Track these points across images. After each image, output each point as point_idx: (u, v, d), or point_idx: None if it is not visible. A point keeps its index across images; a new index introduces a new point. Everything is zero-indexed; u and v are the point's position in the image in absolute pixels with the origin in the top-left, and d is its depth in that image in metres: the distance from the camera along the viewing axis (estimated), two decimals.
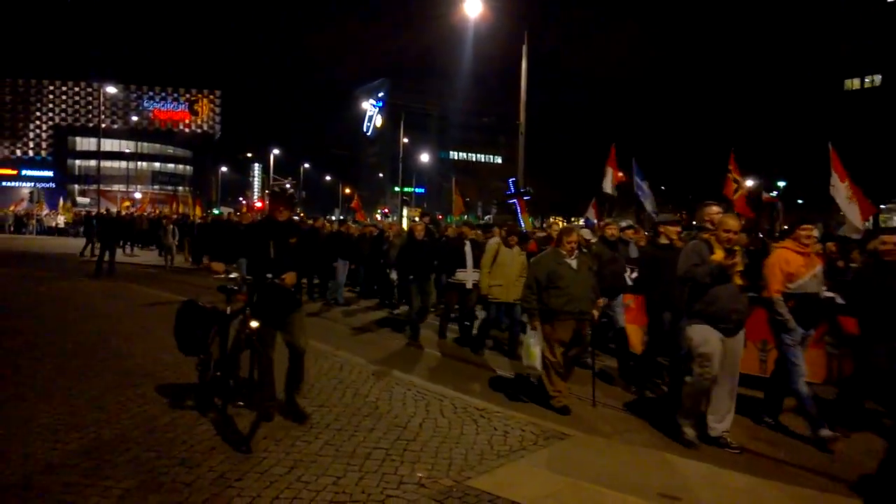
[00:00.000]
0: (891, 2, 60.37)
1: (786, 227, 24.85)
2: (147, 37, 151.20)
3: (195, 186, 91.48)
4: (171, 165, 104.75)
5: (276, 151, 74.96)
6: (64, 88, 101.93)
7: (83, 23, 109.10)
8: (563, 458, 5.06)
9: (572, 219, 52.11)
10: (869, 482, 4.82)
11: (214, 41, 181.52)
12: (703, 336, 5.52)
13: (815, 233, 6.81)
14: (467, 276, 9.84)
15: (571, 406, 6.58)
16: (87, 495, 4.03)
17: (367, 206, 52.10)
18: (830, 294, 6.59)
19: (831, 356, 6.95)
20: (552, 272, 6.54)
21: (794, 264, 6.04)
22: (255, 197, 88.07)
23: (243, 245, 5.72)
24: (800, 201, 50.01)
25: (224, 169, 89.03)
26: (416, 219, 19.45)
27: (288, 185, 73.90)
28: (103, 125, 57.65)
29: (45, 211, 45.71)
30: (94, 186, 59.56)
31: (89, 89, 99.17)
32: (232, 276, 5.35)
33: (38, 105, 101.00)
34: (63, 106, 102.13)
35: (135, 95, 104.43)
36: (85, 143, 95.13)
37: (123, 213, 36.50)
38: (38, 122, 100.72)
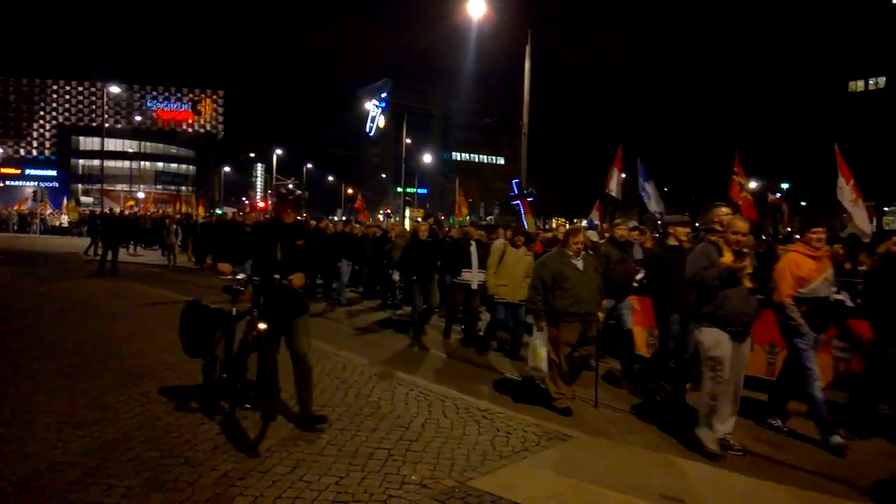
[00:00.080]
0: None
1: (789, 229, 24.88)
2: (150, 37, 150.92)
3: (198, 186, 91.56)
4: (174, 165, 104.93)
5: (278, 151, 75.01)
6: (67, 88, 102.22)
7: (87, 22, 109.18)
8: (566, 459, 5.05)
9: (575, 220, 52.11)
10: (886, 488, 4.80)
11: (217, 41, 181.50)
12: (714, 339, 5.45)
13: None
14: (472, 276, 9.83)
15: (574, 408, 6.57)
16: (90, 494, 4.03)
17: (370, 207, 52.19)
18: (839, 296, 6.55)
19: (838, 359, 6.93)
20: (558, 273, 6.52)
21: (806, 268, 5.97)
22: (258, 197, 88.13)
23: (250, 247, 5.67)
24: (803, 203, 49.96)
25: (227, 169, 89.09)
26: (419, 219, 19.45)
27: (291, 186, 74.02)
28: (107, 125, 57.81)
29: (49, 210, 45.77)
30: (98, 186, 59.69)
31: (93, 89, 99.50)
32: (239, 276, 5.31)
33: (42, 104, 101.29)
34: (67, 105, 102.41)
35: (138, 95, 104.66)
36: (88, 143, 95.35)
37: (127, 212, 36.56)
38: (41, 122, 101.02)
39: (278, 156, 75.44)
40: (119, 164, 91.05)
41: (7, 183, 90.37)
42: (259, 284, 5.27)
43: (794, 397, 6.31)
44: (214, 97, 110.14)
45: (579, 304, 6.43)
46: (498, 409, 6.20)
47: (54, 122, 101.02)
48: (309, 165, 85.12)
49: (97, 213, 29.66)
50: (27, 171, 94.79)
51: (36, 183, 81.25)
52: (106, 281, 15.90)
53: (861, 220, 10.83)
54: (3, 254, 22.48)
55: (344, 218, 40.62)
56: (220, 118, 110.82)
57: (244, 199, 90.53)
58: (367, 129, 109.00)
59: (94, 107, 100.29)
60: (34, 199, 45.30)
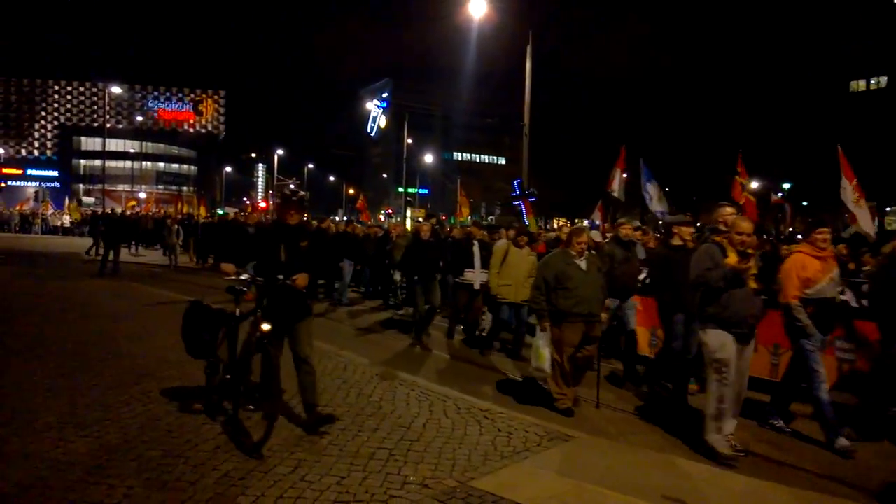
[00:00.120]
0: None
1: (791, 229, 24.83)
2: (152, 37, 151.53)
3: (199, 186, 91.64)
4: (175, 165, 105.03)
5: (279, 151, 75.07)
6: (69, 88, 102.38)
7: (88, 23, 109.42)
8: (567, 459, 5.04)
9: (576, 220, 52.10)
10: (892, 490, 4.79)
11: (219, 42, 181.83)
12: (719, 341, 5.40)
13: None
14: (475, 276, 9.82)
15: (576, 408, 6.57)
16: (92, 494, 4.03)
17: (371, 207, 52.16)
18: (843, 297, 6.51)
19: (842, 360, 6.90)
20: (561, 273, 6.49)
21: (811, 269, 5.91)
22: (260, 197, 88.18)
23: (254, 248, 5.63)
24: (805, 203, 49.91)
25: (228, 169, 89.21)
26: (421, 219, 19.44)
27: (293, 186, 73.90)
28: (108, 125, 57.81)
29: (51, 210, 45.78)
30: (99, 186, 59.71)
31: (94, 89, 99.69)
32: (243, 277, 5.26)
33: (44, 105, 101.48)
34: (68, 106, 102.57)
35: (139, 95, 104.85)
36: (90, 143, 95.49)
37: (128, 212, 36.57)
38: (43, 122, 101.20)
39: (279, 156, 75.49)
40: (120, 164, 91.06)
41: (9, 183, 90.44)
42: (263, 285, 5.23)
43: (798, 398, 6.29)
44: (216, 97, 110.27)
45: (582, 305, 6.41)
46: (499, 410, 6.20)
47: (56, 123, 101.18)
48: (310, 165, 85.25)
49: (99, 213, 29.68)
50: (29, 172, 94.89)
51: (37, 183, 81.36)
52: (107, 281, 15.92)
53: (864, 220, 10.81)
54: (4, 254, 22.50)
55: (345, 218, 40.65)
56: (222, 118, 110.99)
57: (245, 199, 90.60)
58: (369, 130, 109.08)
59: (95, 107, 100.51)
60: (36, 200, 45.31)
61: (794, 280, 5.92)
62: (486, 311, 10.52)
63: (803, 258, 6.01)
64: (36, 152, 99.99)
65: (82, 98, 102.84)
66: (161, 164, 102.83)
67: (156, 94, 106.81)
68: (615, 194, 14.75)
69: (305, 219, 5.54)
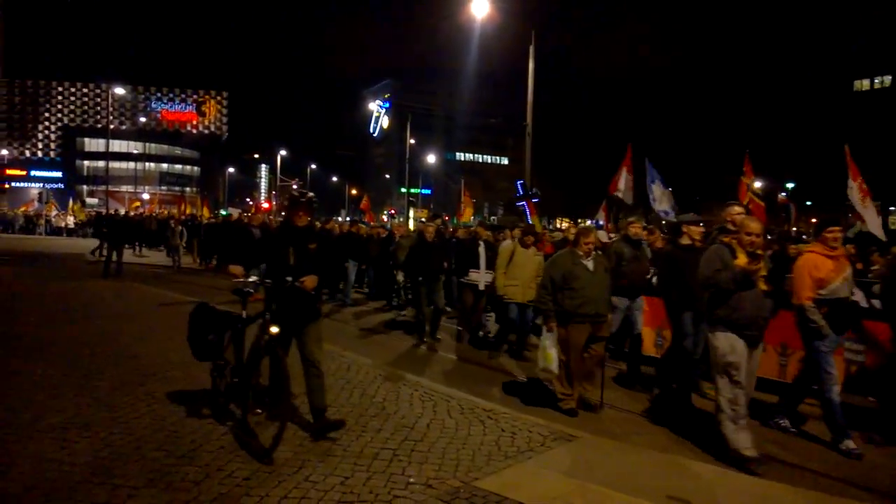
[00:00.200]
0: None
1: (794, 228, 24.82)
2: (155, 38, 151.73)
3: (202, 187, 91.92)
4: (178, 166, 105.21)
5: (282, 152, 75.26)
6: (72, 90, 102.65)
7: (91, 24, 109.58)
8: (571, 459, 5.04)
9: (579, 220, 52.08)
10: None
11: (221, 42, 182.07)
12: (729, 344, 5.29)
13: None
14: (480, 277, 9.80)
15: (580, 408, 6.56)
16: (96, 494, 4.04)
17: (374, 207, 52.23)
18: (854, 297, 6.44)
19: (850, 361, 6.87)
20: (568, 273, 6.46)
21: (824, 269, 5.81)
22: (262, 197, 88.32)
23: (262, 251, 5.57)
24: (808, 203, 49.84)
25: (231, 170, 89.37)
26: (424, 219, 19.42)
27: (296, 186, 74.03)
28: (111, 126, 57.92)
29: (55, 212, 45.85)
30: (103, 187, 59.83)
31: (97, 90, 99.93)
32: (251, 279, 5.22)
33: (47, 106, 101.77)
34: (71, 107, 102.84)
35: (143, 97, 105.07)
36: (93, 144, 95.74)
37: (132, 213, 36.63)
38: (46, 123, 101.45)
39: (282, 156, 75.66)
40: (124, 165, 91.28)
41: (12, 184, 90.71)
42: (271, 288, 5.17)
43: (805, 399, 6.24)
44: (219, 98, 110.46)
45: (589, 305, 6.38)
46: (503, 410, 6.19)
47: (59, 124, 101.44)
48: (313, 166, 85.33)
49: (103, 214, 29.73)
50: (32, 173, 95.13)
51: (41, 184, 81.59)
52: (111, 282, 15.94)
53: (871, 220, 10.75)
54: (8, 255, 22.56)
55: (348, 219, 40.66)
56: (225, 119, 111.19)
57: (248, 199, 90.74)
58: (371, 130, 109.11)
59: (98, 108, 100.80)
60: (40, 201, 45.41)
61: (808, 280, 5.82)
62: (489, 312, 10.52)
63: (815, 258, 5.91)
64: (39, 153, 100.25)
65: (86, 99, 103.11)
66: (164, 165, 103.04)
67: (159, 95, 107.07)
68: (620, 195, 14.66)
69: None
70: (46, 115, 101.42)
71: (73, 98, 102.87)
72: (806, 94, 61.03)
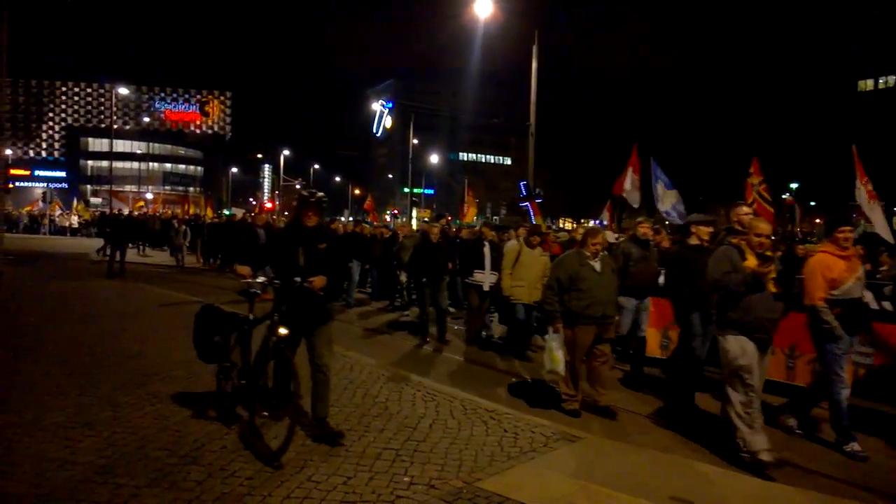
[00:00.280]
0: None
1: (798, 229, 24.79)
2: (158, 38, 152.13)
3: (206, 187, 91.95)
4: (181, 166, 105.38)
5: (285, 152, 75.27)
6: (76, 90, 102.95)
7: (95, 24, 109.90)
8: (574, 460, 5.03)
9: (582, 220, 52.03)
10: None
11: (225, 42, 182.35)
12: (740, 347, 5.22)
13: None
14: (485, 277, 9.78)
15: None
16: (99, 493, 4.04)
17: (377, 207, 52.27)
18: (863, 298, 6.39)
19: (857, 364, 6.82)
20: (575, 274, 6.41)
21: (837, 269, 5.73)
22: (266, 197, 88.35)
23: (271, 252, 5.48)
24: (812, 203, 49.74)
25: (234, 170, 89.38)
26: (427, 220, 19.41)
27: (298, 186, 74.06)
28: (115, 126, 57.95)
29: (59, 211, 45.93)
30: (107, 187, 59.88)
31: (101, 90, 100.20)
32: (259, 280, 5.13)
33: (51, 106, 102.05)
34: (75, 107, 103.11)
35: (146, 97, 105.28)
36: (97, 144, 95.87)
37: (136, 213, 36.66)
38: (50, 123, 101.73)
39: (285, 156, 75.69)
40: (127, 165, 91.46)
41: (17, 184, 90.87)
42: (280, 289, 5.08)
43: (820, 403, 6.20)
44: (222, 98, 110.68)
45: (596, 307, 6.34)
46: (506, 410, 6.19)
47: (63, 124, 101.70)
48: (316, 166, 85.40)
49: (107, 213, 29.76)
50: (36, 173, 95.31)
51: (45, 184, 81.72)
52: (114, 281, 15.97)
53: (878, 221, 10.70)
54: (12, 254, 22.58)
55: (351, 219, 40.67)
56: (228, 119, 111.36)
57: (251, 199, 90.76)
58: (375, 130, 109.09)
59: (102, 108, 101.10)
60: (44, 201, 45.49)
61: (820, 281, 5.73)
62: (492, 313, 10.49)
63: (827, 258, 5.83)
64: (43, 153, 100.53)
65: (89, 99, 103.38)
66: (168, 165, 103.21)
67: (162, 95, 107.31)
68: (626, 195, 14.58)
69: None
70: (50, 115, 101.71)
71: (76, 98, 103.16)
72: (810, 94, 60.92)
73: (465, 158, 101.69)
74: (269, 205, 69.51)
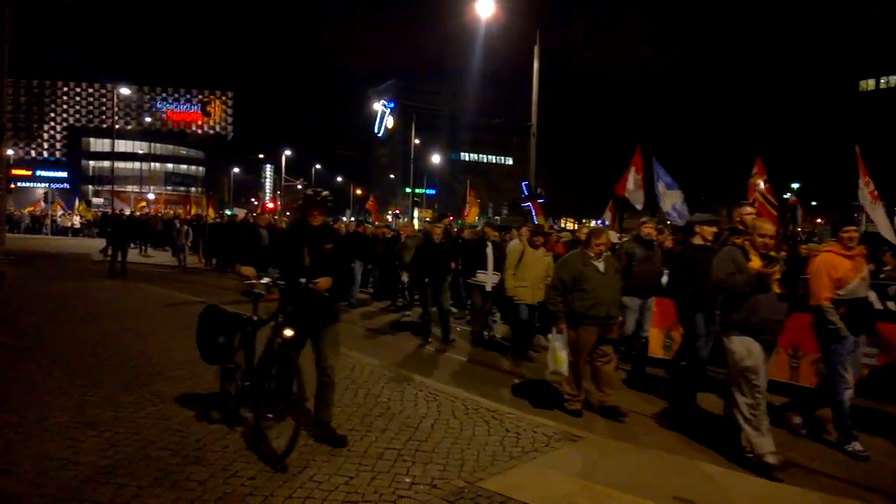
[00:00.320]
0: None
1: (799, 229, 24.72)
2: (160, 38, 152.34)
3: (207, 187, 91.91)
4: (183, 166, 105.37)
5: (287, 152, 75.33)
6: (78, 90, 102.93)
7: (96, 24, 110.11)
8: (576, 460, 5.03)
9: (583, 220, 52.02)
10: None
11: (226, 43, 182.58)
12: (746, 348, 5.20)
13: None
14: (487, 278, 9.76)
15: (586, 410, 6.55)
16: (101, 493, 4.04)
17: (378, 207, 52.30)
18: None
19: (861, 364, 6.81)
20: (579, 274, 6.40)
21: (842, 269, 5.71)
22: (268, 197, 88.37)
23: (276, 252, 5.39)
24: (813, 203, 49.67)
25: (236, 170, 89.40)
26: (428, 220, 19.41)
27: (300, 186, 74.07)
28: (117, 126, 57.98)
29: (61, 212, 45.94)
30: (108, 187, 59.92)
31: (103, 90, 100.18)
32: (263, 280, 5.04)
33: (53, 106, 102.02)
34: (77, 107, 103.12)
35: (148, 97, 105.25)
36: (98, 144, 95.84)
37: (138, 213, 36.68)
38: (52, 123, 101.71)
39: (287, 156, 75.73)
40: (129, 165, 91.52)
41: (18, 184, 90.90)
42: (286, 290, 5.00)
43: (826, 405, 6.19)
44: (223, 98, 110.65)
45: (600, 307, 6.32)
46: (507, 410, 6.19)
47: (65, 124, 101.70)
48: (317, 166, 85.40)
49: (109, 214, 29.77)
50: (38, 173, 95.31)
51: (47, 184, 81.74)
52: (116, 282, 15.99)
53: (881, 221, 10.67)
54: (14, 255, 22.60)
55: (353, 219, 40.66)
56: (230, 119, 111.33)
57: (253, 199, 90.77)
58: (376, 130, 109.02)
59: (104, 108, 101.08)
60: (45, 201, 45.50)
61: (826, 281, 5.71)
62: (495, 313, 10.48)
63: (833, 258, 5.81)
64: (45, 153, 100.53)
65: (91, 99, 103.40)
66: (169, 165, 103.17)
67: (164, 95, 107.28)
68: (629, 196, 14.55)
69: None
70: (52, 115, 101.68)
71: (78, 98, 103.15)
72: (810, 94, 60.87)
73: (467, 158, 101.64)
74: (270, 205, 69.53)
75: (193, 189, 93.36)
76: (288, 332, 4.78)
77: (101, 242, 24.52)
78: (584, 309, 6.33)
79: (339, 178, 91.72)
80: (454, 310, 11.52)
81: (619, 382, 7.36)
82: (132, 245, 23.12)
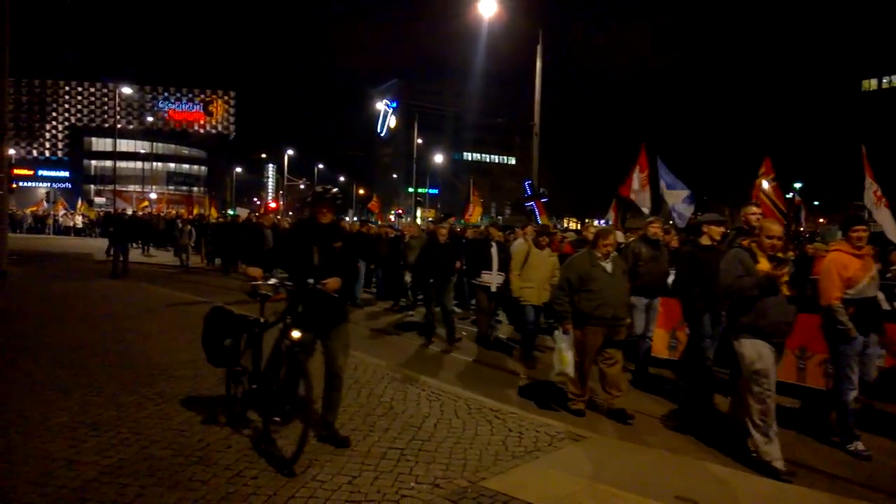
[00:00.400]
0: None
1: (801, 228, 24.69)
2: (162, 38, 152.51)
3: (209, 187, 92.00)
4: (185, 166, 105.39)
5: (290, 152, 75.37)
6: (80, 89, 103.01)
7: (98, 23, 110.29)
8: (579, 459, 5.01)
9: (587, 220, 51.98)
10: None
11: (229, 42, 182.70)
12: (756, 351, 5.13)
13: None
14: (492, 278, 9.74)
15: (589, 410, 6.54)
16: (104, 493, 4.04)
17: (381, 207, 52.27)
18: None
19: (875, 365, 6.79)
20: (585, 274, 6.37)
21: (852, 268, 5.65)
22: (270, 197, 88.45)
23: (283, 252, 5.23)
24: (816, 203, 49.60)
25: (238, 169, 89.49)
26: (431, 219, 19.39)
27: (302, 186, 74.13)
28: (119, 126, 58.09)
29: (63, 211, 46.00)
30: (110, 187, 60.05)
31: (105, 90, 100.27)
32: (271, 281, 4.94)
33: (55, 105, 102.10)
34: (79, 106, 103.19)
35: (150, 96, 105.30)
36: (100, 144, 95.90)
37: (140, 213, 36.70)
38: (54, 123, 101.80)
39: (289, 156, 75.75)
40: (131, 164, 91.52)
41: (20, 184, 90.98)
42: (294, 291, 4.89)
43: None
44: (226, 98, 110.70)
45: (606, 308, 6.29)
46: (510, 410, 6.18)
47: (66, 124, 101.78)
48: (320, 166, 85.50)
49: (112, 213, 29.81)
50: (40, 173, 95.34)
51: (48, 184, 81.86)
52: (118, 281, 16.00)
53: (885, 221, 10.64)
54: (17, 254, 22.63)
55: (356, 219, 40.65)
56: (232, 119, 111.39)
57: (255, 199, 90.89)
58: (379, 130, 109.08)
59: (106, 108, 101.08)
60: (48, 201, 45.58)
61: (836, 280, 5.65)
62: (499, 314, 10.47)
63: (843, 257, 5.75)
64: (47, 153, 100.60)
65: (93, 99, 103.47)
66: (171, 165, 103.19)
67: (166, 94, 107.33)
68: (633, 196, 14.50)
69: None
70: (54, 114, 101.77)
71: (80, 98, 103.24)
72: (813, 94, 60.79)
73: (469, 158, 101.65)
74: (273, 205, 69.57)
75: (196, 189, 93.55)
76: (296, 334, 4.70)
77: (103, 242, 24.53)
78: (591, 309, 6.30)
79: (342, 178, 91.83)
80: (458, 310, 11.50)
81: (627, 384, 7.32)
82: (134, 245, 23.11)
